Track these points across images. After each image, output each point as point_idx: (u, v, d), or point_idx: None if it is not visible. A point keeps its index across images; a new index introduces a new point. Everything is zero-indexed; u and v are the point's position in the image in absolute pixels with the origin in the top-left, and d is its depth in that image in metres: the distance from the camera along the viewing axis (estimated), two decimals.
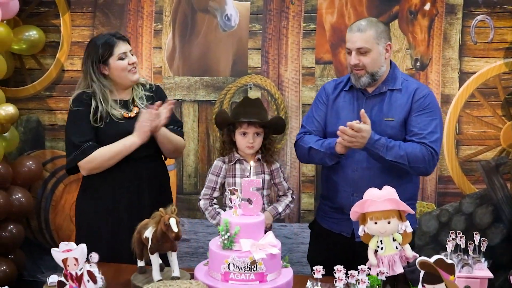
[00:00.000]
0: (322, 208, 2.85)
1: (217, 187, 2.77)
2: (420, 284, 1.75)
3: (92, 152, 2.65)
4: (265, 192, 2.78)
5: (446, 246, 2.16)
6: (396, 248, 2.10)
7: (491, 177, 3.57)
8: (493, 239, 3.53)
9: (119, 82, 2.76)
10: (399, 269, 2.08)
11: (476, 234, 2.23)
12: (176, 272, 2.21)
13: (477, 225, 3.55)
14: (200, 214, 3.04)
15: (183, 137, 2.91)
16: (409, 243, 2.13)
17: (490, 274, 2.18)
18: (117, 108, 2.72)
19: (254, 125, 2.68)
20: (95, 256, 2.20)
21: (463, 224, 3.58)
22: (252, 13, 3.67)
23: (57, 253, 1.90)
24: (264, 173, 2.77)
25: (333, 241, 2.73)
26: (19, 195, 3.67)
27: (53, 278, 2.12)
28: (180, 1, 3.71)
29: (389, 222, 2.08)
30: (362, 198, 2.10)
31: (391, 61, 2.73)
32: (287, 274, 2.19)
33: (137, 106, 2.77)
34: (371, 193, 2.13)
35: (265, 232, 2.19)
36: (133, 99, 2.80)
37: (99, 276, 1.99)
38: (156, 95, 2.86)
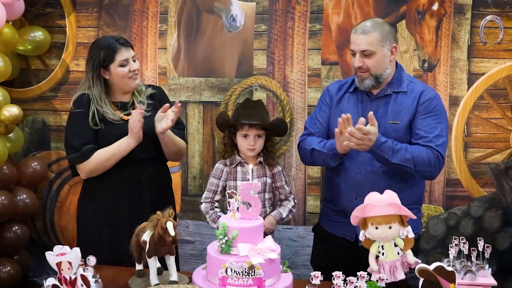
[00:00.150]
0: (326, 212, 2.82)
1: (219, 190, 2.75)
2: None
3: (91, 154, 2.65)
4: (266, 196, 2.75)
5: (449, 252, 2.11)
6: (398, 253, 2.07)
7: (501, 180, 3.51)
8: (502, 243, 3.47)
9: (119, 87, 2.75)
10: (401, 275, 2.05)
11: (480, 240, 2.17)
12: (173, 276, 2.19)
13: (486, 229, 3.49)
14: None
15: (185, 140, 2.89)
16: (414, 248, 2.10)
17: (493, 282, 2.13)
18: (114, 112, 2.71)
19: (255, 127, 2.65)
20: (92, 259, 2.18)
21: (471, 228, 3.52)
22: (258, 13, 3.64)
23: (51, 257, 1.89)
24: (266, 176, 2.74)
25: (336, 245, 2.70)
26: (24, 196, 3.66)
27: (50, 281, 2.10)
28: (185, 2, 3.69)
29: (390, 227, 2.04)
30: None
31: (397, 63, 2.69)
32: (287, 279, 2.16)
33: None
34: (372, 197, 2.10)
35: (266, 236, 2.17)
36: (133, 101, 2.79)
37: (92, 280, 1.97)
38: (157, 97, 2.85)
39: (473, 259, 2.15)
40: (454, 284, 1.70)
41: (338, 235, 2.71)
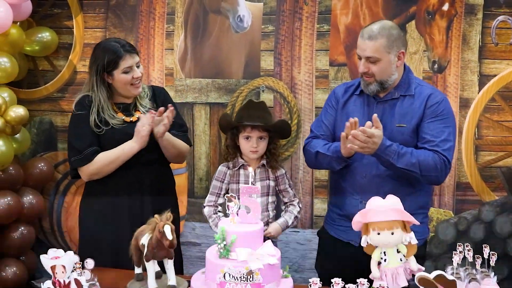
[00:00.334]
0: (331, 216, 2.77)
1: (222, 193, 2.72)
2: None
3: (94, 157, 2.64)
4: (270, 199, 2.71)
5: (452, 259, 2.05)
6: (401, 260, 2.02)
7: None
8: None
9: (120, 92, 2.73)
10: (403, 283, 2.00)
11: (485, 247, 2.11)
12: (172, 280, 2.16)
13: (497, 234, 3.43)
14: None
15: (188, 141, 2.86)
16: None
17: None
18: (116, 116, 2.69)
19: (258, 129, 2.62)
20: (90, 262, 2.16)
21: (482, 232, 3.46)
22: (265, 14, 3.60)
23: (46, 260, 1.87)
24: (269, 179, 2.70)
25: (341, 250, 2.65)
26: (30, 196, 3.67)
27: (48, 284, 2.09)
28: (192, 2, 3.67)
29: (392, 233, 1.99)
30: None
31: (405, 65, 2.63)
32: (287, 285, 2.12)
33: (139, 111, 2.75)
34: (374, 202, 2.06)
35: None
36: (135, 103, 2.77)
37: (86, 284, 1.95)
38: (161, 99, 2.83)
39: (478, 266, 2.10)
40: None
41: (343, 239, 2.66)
